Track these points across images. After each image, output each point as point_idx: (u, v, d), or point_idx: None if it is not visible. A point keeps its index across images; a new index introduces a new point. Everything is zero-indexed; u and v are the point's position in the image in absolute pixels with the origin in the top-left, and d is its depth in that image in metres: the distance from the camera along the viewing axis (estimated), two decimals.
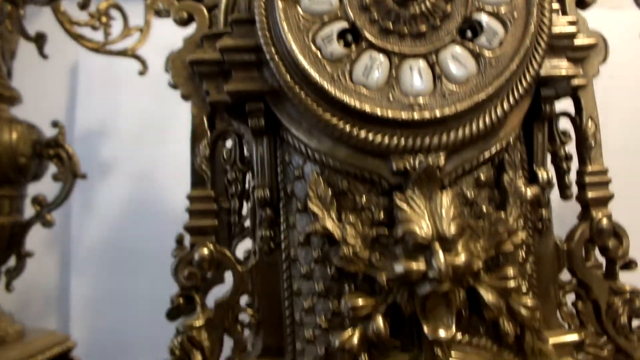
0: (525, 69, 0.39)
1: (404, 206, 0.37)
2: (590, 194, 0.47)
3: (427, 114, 0.37)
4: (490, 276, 0.40)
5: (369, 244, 0.39)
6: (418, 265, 0.37)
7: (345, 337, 0.39)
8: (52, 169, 0.72)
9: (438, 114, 0.37)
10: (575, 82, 0.44)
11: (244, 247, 0.54)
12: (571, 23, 0.44)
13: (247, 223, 0.53)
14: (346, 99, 0.38)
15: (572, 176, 0.48)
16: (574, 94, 0.47)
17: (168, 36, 0.55)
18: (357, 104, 0.37)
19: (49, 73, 1.07)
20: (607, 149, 0.49)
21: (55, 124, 0.67)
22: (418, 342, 0.39)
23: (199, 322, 0.46)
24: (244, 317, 0.49)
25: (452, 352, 0.39)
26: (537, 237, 0.46)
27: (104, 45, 0.76)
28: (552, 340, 0.46)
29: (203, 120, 0.47)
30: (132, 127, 1.16)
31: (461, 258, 0.37)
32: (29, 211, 0.70)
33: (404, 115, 0.37)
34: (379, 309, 0.38)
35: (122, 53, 0.77)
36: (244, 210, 0.54)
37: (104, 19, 0.76)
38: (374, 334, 0.38)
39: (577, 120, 0.47)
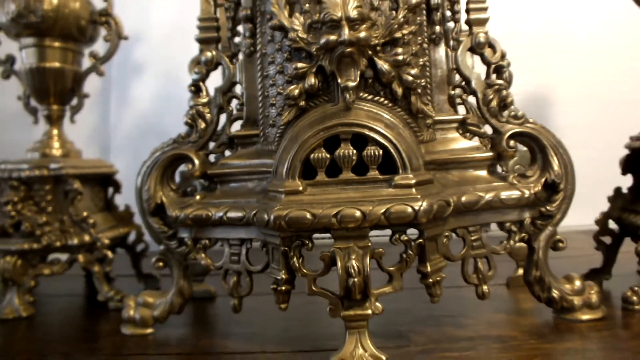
0: None
1: (326, 1, 0.64)
2: (472, 16, 0.71)
3: None
4: (386, 54, 0.66)
5: (307, 29, 0.65)
6: (333, 36, 0.63)
7: (291, 89, 0.66)
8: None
9: None
10: None
11: None
12: None
13: None
14: None
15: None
16: None
17: None
18: None
19: None
20: None
21: None
22: (337, 94, 0.66)
23: (203, 100, 0.74)
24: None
25: (361, 104, 0.66)
26: (433, 45, 0.72)
27: None
28: (442, 117, 0.72)
29: None
30: (161, 34, 1.46)
31: (362, 34, 0.63)
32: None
33: None
34: (311, 69, 0.65)
35: None
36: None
37: None
38: (309, 87, 0.65)
39: None
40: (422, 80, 0.68)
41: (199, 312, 0.86)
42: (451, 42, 0.72)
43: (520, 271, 0.89)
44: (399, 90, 0.66)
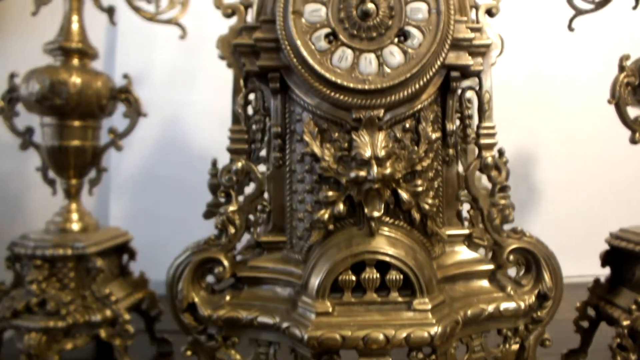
0: (434, 60, 0.72)
1: (357, 139, 0.71)
2: (482, 141, 0.80)
3: (372, 86, 0.70)
4: (407, 184, 0.74)
5: (337, 161, 0.73)
6: (362, 173, 0.71)
7: (321, 213, 0.74)
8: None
9: (379, 86, 0.70)
10: (475, 68, 0.77)
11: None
12: (473, 30, 0.76)
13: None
14: (328, 75, 0.71)
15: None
16: (478, 75, 0.80)
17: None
18: (334, 78, 0.71)
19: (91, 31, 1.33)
20: None
21: (125, 76, 1.01)
22: (363, 219, 0.74)
23: (234, 207, 0.81)
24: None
25: (383, 227, 0.75)
26: (445, 167, 0.80)
27: (156, 15, 1.09)
28: (451, 232, 0.81)
29: (240, 81, 0.81)
30: (163, 77, 1.50)
31: (387, 170, 0.71)
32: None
33: (359, 86, 0.71)
34: (341, 198, 0.73)
35: (168, 21, 1.10)
36: None
37: None
38: (337, 213, 0.74)
39: (479, 93, 0.80)
40: (436, 201, 0.77)
41: None
42: (462, 164, 0.81)
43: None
44: (417, 216, 0.75)
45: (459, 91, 0.79)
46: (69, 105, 0.94)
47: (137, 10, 1.07)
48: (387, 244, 0.73)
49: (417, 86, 0.72)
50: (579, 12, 1.01)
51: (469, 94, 0.82)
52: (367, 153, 0.71)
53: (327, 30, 0.72)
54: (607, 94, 0.96)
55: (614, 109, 0.92)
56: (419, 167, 0.74)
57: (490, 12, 0.81)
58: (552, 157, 1.51)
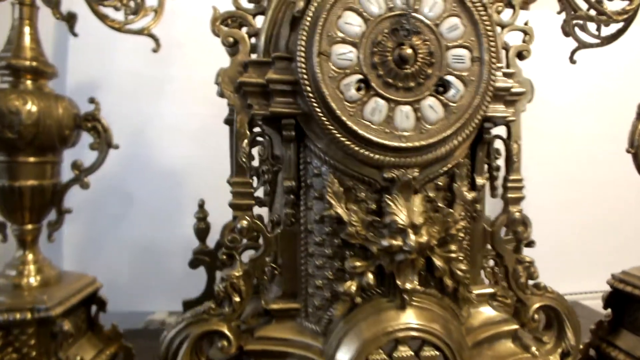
0: (475, 114, 0.63)
1: (391, 204, 0.62)
2: (509, 195, 0.73)
3: (409, 144, 0.61)
4: (441, 250, 0.66)
5: (366, 226, 0.63)
6: (397, 242, 0.61)
7: (348, 285, 0.64)
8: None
9: (417, 144, 0.61)
10: (508, 118, 0.69)
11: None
12: (508, 75, 0.68)
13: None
14: (359, 130, 0.60)
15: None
16: (507, 124, 0.72)
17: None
18: (366, 134, 0.60)
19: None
20: None
21: (92, 100, 0.84)
22: (393, 291, 0.65)
23: (238, 273, 0.69)
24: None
25: (414, 298, 0.66)
26: (472, 222, 0.73)
27: (125, 25, 0.91)
28: (477, 291, 0.74)
29: (245, 124, 0.67)
30: (126, 85, 1.31)
31: (424, 238, 0.62)
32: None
33: (395, 143, 0.61)
34: (370, 268, 0.64)
35: (139, 32, 0.93)
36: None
37: (124, 0, 0.91)
38: (366, 284, 0.64)
39: (507, 143, 0.73)
40: (467, 263, 0.69)
41: None
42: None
43: None
44: (450, 284, 0.67)
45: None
46: (22, 139, 0.76)
47: (103, 19, 0.89)
48: (420, 317, 0.64)
49: (455, 142, 0.63)
50: (583, 45, 0.95)
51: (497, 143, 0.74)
52: (403, 220, 0.61)
53: (358, 76, 0.61)
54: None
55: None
56: (453, 231, 0.65)
57: (520, 55, 0.73)
58: (539, 179, 1.49)
